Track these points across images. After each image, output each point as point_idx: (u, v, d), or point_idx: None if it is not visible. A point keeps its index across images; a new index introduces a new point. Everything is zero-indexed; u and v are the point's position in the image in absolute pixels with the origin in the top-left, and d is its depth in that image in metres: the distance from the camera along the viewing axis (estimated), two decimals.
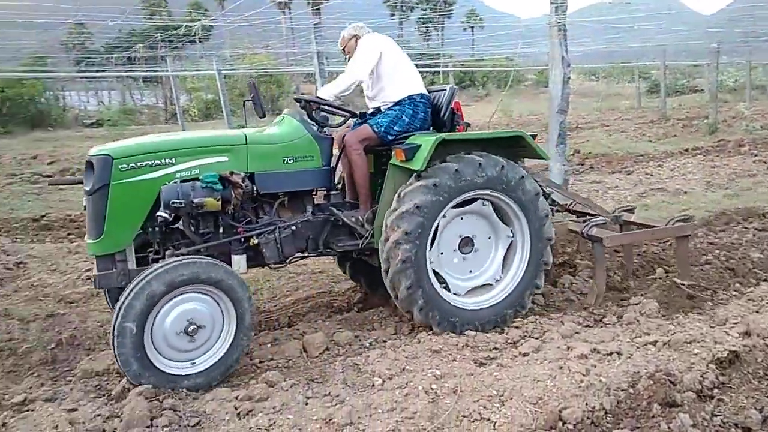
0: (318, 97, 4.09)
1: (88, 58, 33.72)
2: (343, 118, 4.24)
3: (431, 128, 4.33)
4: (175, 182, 3.55)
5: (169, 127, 23.72)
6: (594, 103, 27.63)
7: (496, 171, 3.88)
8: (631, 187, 8.97)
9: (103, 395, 3.25)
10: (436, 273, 3.94)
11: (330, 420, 2.78)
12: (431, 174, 3.78)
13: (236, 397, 3.09)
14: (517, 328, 3.94)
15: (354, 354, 3.70)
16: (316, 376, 3.42)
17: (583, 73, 40.62)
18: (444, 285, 4.00)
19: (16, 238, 7.09)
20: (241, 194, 3.66)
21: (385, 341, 3.92)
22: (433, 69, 29.78)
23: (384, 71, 4.24)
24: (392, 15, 60.14)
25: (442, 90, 4.42)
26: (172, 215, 3.53)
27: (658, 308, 4.08)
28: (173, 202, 3.45)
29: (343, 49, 4.47)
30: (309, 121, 4.05)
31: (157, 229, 3.64)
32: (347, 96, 4.26)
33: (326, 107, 4.10)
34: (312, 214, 4.07)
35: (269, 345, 3.97)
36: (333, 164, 4.14)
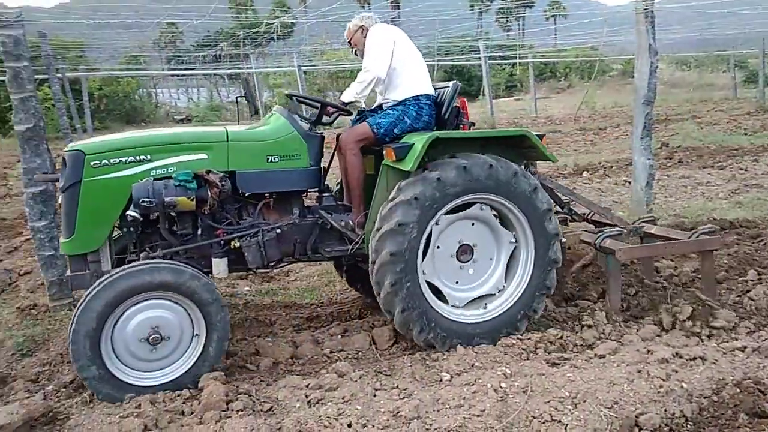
0: (314, 98, 4.03)
1: (178, 56, 35.48)
2: (337, 116, 4.09)
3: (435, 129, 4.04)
4: (148, 180, 3.38)
5: (252, 123, 24.54)
6: (685, 94, 26.15)
7: (484, 172, 3.54)
8: (723, 183, 8.42)
9: None
10: (431, 285, 3.67)
11: (397, 413, 2.80)
12: (410, 184, 3.50)
13: (307, 386, 3.17)
14: (591, 327, 3.81)
15: (422, 348, 3.70)
16: (384, 369, 3.45)
17: (674, 63, 38.52)
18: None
19: None
20: (217, 194, 3.46)
21: None
22: (512, 60, 29.18)
23: (392, 66, 3.96)
24: (472, 7, 59.40)
25: (446, 87, 4.15)
26: (143, 214, 3.38)
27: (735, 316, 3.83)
28: (143, 201, 3.28)
29: (350, 42, 4.29)
30: (299, 118, 3.88)
31: (132, 229, 3.51)
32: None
33: (314, 104, 3.96)
34: (299, 216, 3.84)
35: (339, 336, 4.03)
36: (326, 164, 4.03)
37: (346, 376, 3.27)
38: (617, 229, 4.21)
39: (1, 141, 18.68)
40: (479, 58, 20.00)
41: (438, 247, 3.67)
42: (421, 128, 3.91)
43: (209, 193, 3.45)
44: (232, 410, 2.90)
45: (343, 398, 2.99)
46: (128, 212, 3.32)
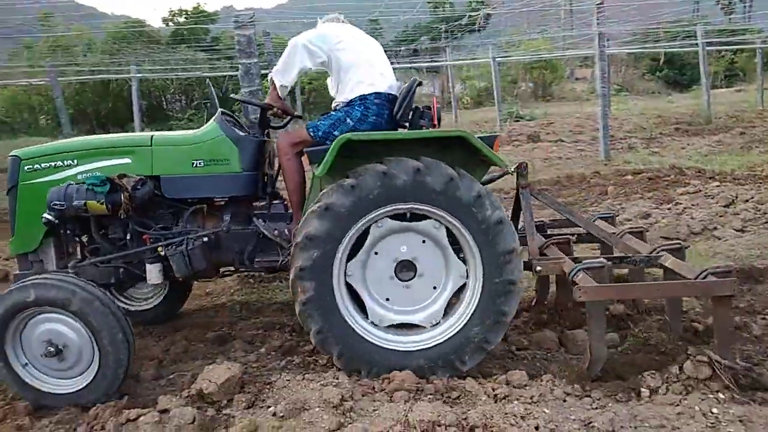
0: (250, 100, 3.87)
1: None
2: (290, 120, 3.93)
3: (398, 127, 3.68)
4: (68, 184, 3.43)
5: (444, 115, 24.94)
6: None
7: (409, 178, 3.10)
8: None
9: None
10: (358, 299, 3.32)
11: (589, 423, 2.66)
12: (326, 193, 3.17)
13: (495, 380, 3.15)
14: None
15: (615, 357, 3.45)
16: (573, 374, 3.29)
17: None
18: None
19: None
20: (128, 198, 3.41)
21: None
22: (734, 47, 25.81)
23: (340, 68, 3.63)
24: None
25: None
26: (58, 218, 3.42)
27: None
28: (55, 204, 3.37)
29: None
30: (233, 121, 3.80)
31: (69, 232, 3.58)
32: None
33: (252, 105, 3.76)
34: (229, 224, 3.65)
35: (528, 335, 3.93)
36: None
37: (536, 377, 3.18)
38: (599, 260, 3.37)
39: None
40: (695, 44, 18.05)
41: (376, 253, 3.29)
42: (368, 130, 3.53)
43: (122, 197, 3.42)
44: (422, 392, 2.99)
45: (531, 398, 2.92)
46: (44, 215, 3.41)
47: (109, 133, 22.71)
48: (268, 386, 3.17)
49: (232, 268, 3.89)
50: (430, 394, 2.97)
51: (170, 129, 22.60)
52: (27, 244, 3.64)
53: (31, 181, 3.60)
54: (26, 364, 3.21)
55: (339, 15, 3.96)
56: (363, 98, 3.57)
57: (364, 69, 3.61)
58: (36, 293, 3.07)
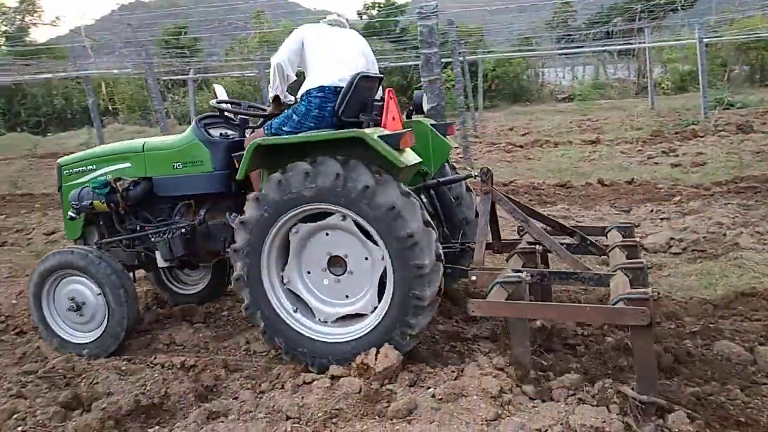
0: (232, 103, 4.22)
1: (569, 35, 35.44)
2: (261, 121, 4.04)
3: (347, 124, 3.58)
4: (83, 187, 4.19)
5: (638, 101, 23.12)
6: None
7: (302, 182, 3.29)
8: None
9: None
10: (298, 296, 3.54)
11: None
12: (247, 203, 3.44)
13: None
14: None
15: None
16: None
17: None
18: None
19: None
20: (121, 198, 4.03)
21: None
22: None
23: (304, 66, 3.77)
24: None
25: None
26: (76, 214, 4.21)
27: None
28: (73, 203, 4.16)
29: None
30: (219, 123, 4.19)
31: (101, 223, 4.31)
32: None
33: (229, 110, 4.16)
34: (203, 217, 4.06)
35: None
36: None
37: None
38: (519, 275, 3.14)
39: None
40: None
41: (304, 257, 3.51)
42: (312, 124, 3.58)
43: (118, 197, 4.04)
44: (587, 394, 2.86)
45: None
46: (69, 212, 4.24)
47: None
48: (430, 368, 3.27)
49: None
50: (594, 395, 2.82)
51: None
52: (73, 234, 4.52)
53: (68, 183, 4.42)
54: (56, 315, 4.11)
55: (339, 16, 4.11)
56: (308, 93, 3.64)
57: (317, 67, 3.70)
58: (60, 258, 4.01)
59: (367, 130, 3.31)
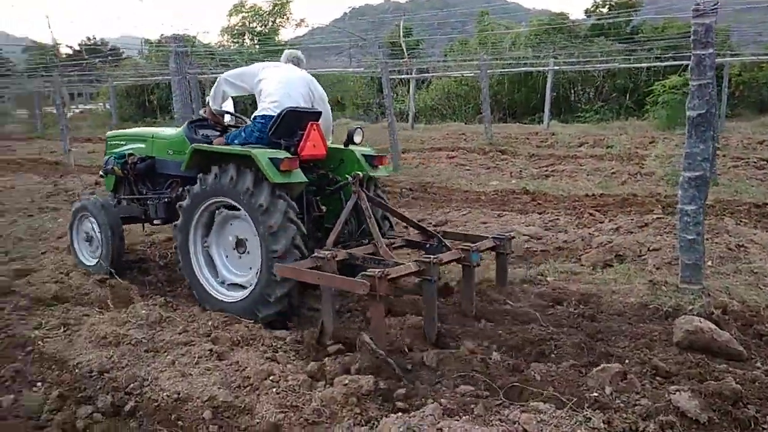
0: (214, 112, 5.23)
1: None
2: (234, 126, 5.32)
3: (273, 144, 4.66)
4: (111, 156, 5.86)
5: None
6: None
7: (210, 182, 4.58)
8: None
9: None
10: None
11: None
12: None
13: None
14: None
15: None
16: None
17: None
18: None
19: (740, 221, 7.18)
20: (130, 170, 5.61)
21: None
22: None
23: (258, 95, 4.99)
24: None
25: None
26: (104, 175, 6.05)
27: None
28: (105, 167, 5.92)
29: None
30: (207, 124, 5.37)
31: (124, 183, 5.89)
32: None
33: (214, 119, 5.28)
34: (181, 193, 5.13)
35: None
36: None
37: None
38: (327, 252, 4.22)
39: (636, 123, 20.34)
40: None
41: (224, 236, 4.81)
42: (254, 141, 4.72)
43: (128, 168, 5.61)
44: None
45: None
46: (100, 172, 6.26)
47: (516, 122, 24.26)
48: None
49: None
50: None
51: (574, 122, 22.82)
52: (108, 187, 6.12)
53: (108, 151, 6.09)
54: (78, 243, 5.89)
55: (296, 57, 5.34)
56: (254, 118, 4.87)
57: (265, 99, 4.89)
58: (82, 204, 5.80)
59: (261, 151, 4.35)
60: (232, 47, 31.49)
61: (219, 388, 3.36)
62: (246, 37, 32.35)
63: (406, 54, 23.21)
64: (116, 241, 5.57)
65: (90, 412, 3.27)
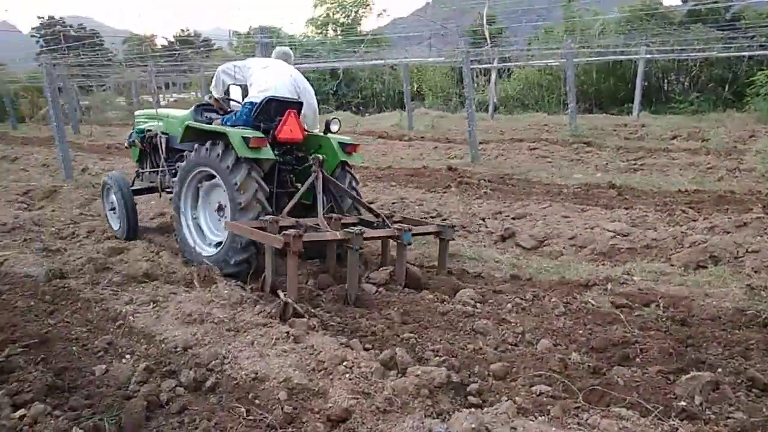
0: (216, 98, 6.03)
1: None
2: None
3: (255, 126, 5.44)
4: (134, 131, 6.88)
5: None
6: None
7: (200, 155, 5.39)
8: None
9: None
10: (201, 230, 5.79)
11: None
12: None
13: None
14: None
15: None
16: None
17: None
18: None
19: None
20: (148, 144, 6.61)
21: None
22: None
23: (249, 86, 5.77)
24: None
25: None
26: (128, 146, 7.16)
27: None
28: (128, 140, 7.05)
29: None
30: (211, 108, 6.18)
31: (146, 155, 6.82)
32: None
33: (217, 104, 6.07)
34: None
35: None
36: None
37: None
38: (275, 218, 4.97)
39: (735, 115, 19.01)
40: None
41: (209, 204, 5.70)
42: (242, 123, 5.46)
43: (145, 142, 6.58)
44: None
45: None
46: (124, 143, 7.27)
47: (603, 112, 23.24)
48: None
49: None
50: None
51: (666, 113, 21.58)
52: (134, 159, 7.16)
53: (138, 128, 6.89)
54: (108, 211, 6.90)
55: (287, 50, 6.21)
56: (244, 104, 5.58)
57: (253, 86, 5.67)
58: (107, 178, 6.83)
59: (236, 130, 5.14)
60: (315, 38, 32.00)
61: (294, 370, 3.42)
62: (329, 27, 32.76)
63: (489, 41, 22.73)
64: (130, 211, 6.56)
65: (173, 385, 3.39)
